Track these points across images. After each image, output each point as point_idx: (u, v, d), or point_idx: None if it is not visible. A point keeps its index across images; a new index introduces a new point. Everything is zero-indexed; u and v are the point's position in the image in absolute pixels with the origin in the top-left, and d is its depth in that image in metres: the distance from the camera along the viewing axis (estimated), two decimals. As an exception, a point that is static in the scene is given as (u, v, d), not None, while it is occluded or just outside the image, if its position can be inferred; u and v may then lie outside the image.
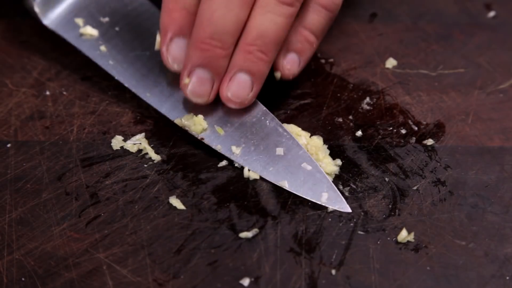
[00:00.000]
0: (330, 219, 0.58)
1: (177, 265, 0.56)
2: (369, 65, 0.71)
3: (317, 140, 0.62)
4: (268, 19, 0.60)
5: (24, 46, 0.73)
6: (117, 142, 0.64)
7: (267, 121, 0.63)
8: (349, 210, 0.59)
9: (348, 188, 0.60)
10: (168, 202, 0.59)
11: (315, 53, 0.69)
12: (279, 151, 0.61)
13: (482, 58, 0.71)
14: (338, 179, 0.61)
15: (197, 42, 0.59)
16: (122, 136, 0.64)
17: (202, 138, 0.62)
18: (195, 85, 0.61)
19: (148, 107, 0.67)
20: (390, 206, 0.59)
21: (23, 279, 0.55)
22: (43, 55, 0.72)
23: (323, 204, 0.59)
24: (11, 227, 0.58)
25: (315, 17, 0.63)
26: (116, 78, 0.66)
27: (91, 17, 0.69)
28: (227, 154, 0.62)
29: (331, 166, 0.61)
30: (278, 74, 0.64)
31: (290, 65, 0.63)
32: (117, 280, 0.55)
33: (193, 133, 0.63)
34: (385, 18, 0.76)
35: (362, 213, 0.59)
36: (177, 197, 0.60)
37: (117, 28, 0.69)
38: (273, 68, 0.64)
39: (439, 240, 0.57)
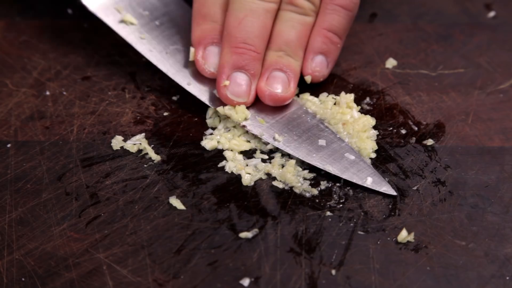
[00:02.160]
0: (330, 219, 0.58)
1: (177, 265, 0.56)
2: (369, 65, 0.71)
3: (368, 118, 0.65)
4: (289, 27, 0.65)
5: (24, 46, 0.73)
6: (117, 142, 0.64)
7: (308, 118, 0.64)
8: (394, 193, 0.60)
9: (349, 188, 0.61)
10: (168, 202, 0.59)
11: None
12: (322, 142, 0.62)
13: (482, 58, 0.71)
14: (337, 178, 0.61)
15: (232, 48, 0.64)
16: (122, 136, 0.64)
17: (244, 126, 0.63)
18: (235, 86, 0.63)
19: (148, 107, 0.67)
20: (390, 206, 0.59)
21: (23, 279, 0.55)
22: (43, 55, 0.72)
23: (369, 187, 0.60)
24: (11, 227, 0.58)
25: (336, 18, 0.66)
26: (155, 64, 0.67)
27: (132, 8, 0.70)
28: (269, 141, 0.63)
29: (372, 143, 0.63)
30: (308, 78, 0.66)
31: (319, 67, 0.66)
32: (117, 280, 0.55)
33: (235, 120, 0.64)
34: (385, 18, 0.76)
35: (362, 213, 0.59)
36: (177, 197, 0.60)
37: (157, 22, 0.70)
38: (303, 73, 0.66)
39: (439, 240, 0.57)
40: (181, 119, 0.66)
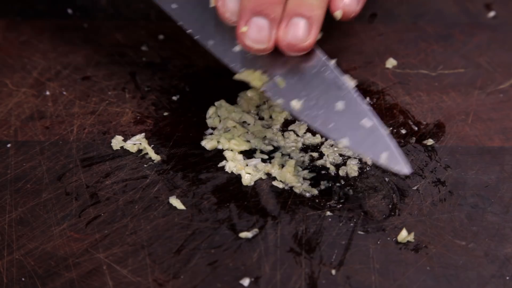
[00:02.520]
0: (330, 219, 0.58)
1: (177, 265, 0.56)
2: (369, 65, 0.71)
3: None
4: None
5: (24, 46, 0.73)
6: (117, 142, 0.64)
7: (327, 73, 0.61)
8: (407, 171, 0.57)
9: (348, 187, 0.61)
10: (168, 202, 0.59)
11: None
12: (340, 105, 0.60)
13: (482, 58, 0.71)
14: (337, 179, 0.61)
15: None
16: (122, 136, 0.64)
17: (264, 91, 0.62)
18: (254, 32, 0.61)
19: (148, 107, 0.67)
20: (390, 206, 0.59)
21: (23, 279, 0.55)
22: (43, 55, 0.72)
23: (382, 165, 0.57)
24: (11, 227, 0.58)
25: None
26: (177, 21, 0.64)
27: None
28: (287, 109, 0.61)
29: None
30: (338, 13, 0.62)
31: (349, 1, 0.62)
32: (117, 280, 0.55)
33: (254, 86, 0.62)
34: (385, 18, 0.76)
35: (362, 213, 0.59)
36: (177, 197, 0.60)
37: None
38: (332, 8, 0.62)
39: (439, 240, 0.57)
40: (181, 119, 0.66)
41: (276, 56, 0.62)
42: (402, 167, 0.57)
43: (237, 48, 0.63)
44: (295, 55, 0.61)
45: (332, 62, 0.62)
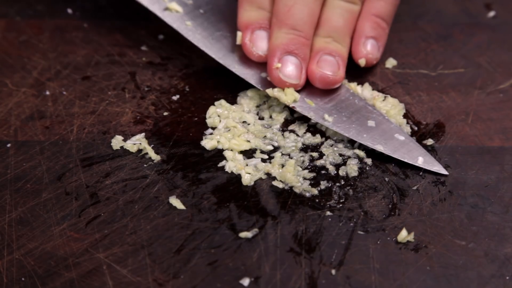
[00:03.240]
0: (330, 219, 0.58)
1: (177, 265, 0.56)
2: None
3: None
4: (338, 14, 0.67)
5: (24, 46, 0.73)
6: (117, 142, 0.64)
7: (356, 100, 0.65)
8: (446, 172, 0.61)
9: (348, 187, 0.61)
10: (168, 202, 0.59)
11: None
12: (371, 123, 0.64)
13: (482, 58, 0.71)
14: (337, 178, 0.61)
15: (282, 33, 0.65)
16: (122, 136, 0.64)
17: (294, 107, 0.64)
18: (287, 68, 0.65)
19: (147, 107, 0.67)
20: (390, 206, 0.59)
21: (23, 279, 0.55)
22: (43, 55, 0.72)
23: (420, 166, 0.61)
24: (11, 227, 0.58)
25: (383, 4, 0.69)
26: (202, 49, 0.68)
27: None
28: (319, 121, 0.64)
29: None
30: (362, 61, 0.68)
31: (372, 50, 0.68)
32: (117, 280, 0.55)
33: (284, 102, 0.65)
34: (385, 18, 0.76)
35: (362, 213, 0.59)
36: (177, 197, 0.60)
37: (201, 10, 0.71)
38: (356, 57, 0.68)
39: (439, 240, 0.57)
40: (181, 119, 0.66)
41: (305, 87, 0.66)
42: (441, 168, 0.61)
43: (264, 74, 0.67)
44: (326, 88, 0.65)
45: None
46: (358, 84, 0.68)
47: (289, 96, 0.64)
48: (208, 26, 0.70)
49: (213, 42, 0.68)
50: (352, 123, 0.64)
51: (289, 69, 0.65)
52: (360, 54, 0.68)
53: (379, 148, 0.62)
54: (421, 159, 0.61)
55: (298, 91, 0.65)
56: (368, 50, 0.68)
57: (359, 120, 0.64)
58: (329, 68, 0.65)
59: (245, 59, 0.67)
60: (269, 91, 0.65)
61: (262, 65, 0.67)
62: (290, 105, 0.64)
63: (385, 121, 0.64)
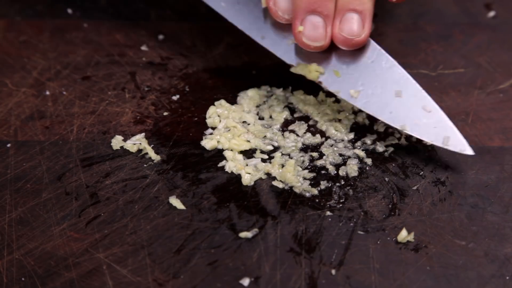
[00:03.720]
0: (330, 219, 0.58)
1: (177, 265, 0.56)
2: (369, 65, 0.71)
3: None
4: None
5: (24, 46, 0.73)
6: (117, 142, 0.64)
7: (383, 62, 0.63)
8: (472, 152, 0.60)
9: (348, 187, 0.61)
10: (168, 202, 0.59)
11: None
12: (398, 93, 0.62)
13: (482, 58, 0.71)
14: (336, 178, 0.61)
15: None
16: (122, 136, 0.64)
17: (320, 82, 0.63)
18: (310, 30, 0.62)
19: (147, 107, 0.67)
20: (390, 206, 0.59)
21: (23, 279, 0.55)
22: (43, 55, 0.72)
23: (445, 147, 0.60)
24: (11, 227, 0.58)
25: None
26: (229, 19, 0.66)
27: None
28: (346, 98, 0.62)
29: None
30: None
31: None
32: (117, 280, 0.55)
33: (310, 78, 0.64)
34: (385, 18, 0.76)
35: (362, 213, 0.59)
36: (177, 197, 0.60)
37: None
38: None
39: (439, 240, 0.57)
40: (181, 119, 0.66)
41: (330, 49, 0.63)
42: (465, 147, 0.60)
43: (290, 42, 0.64)
44: (351, 49, 0.63)
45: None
46: None
47: (313, 74, 0.63)
48: None
49: (240, 8, 0.66)
50: (379, 95, 0.62)
51: (312, 31, 0.62)
52: None
53: (405, 128, 0.61)
54: (447, 138, 0.60)
55: (323, 60, 0.63)
56: None
57: (385, 91, 0.62)
58: (353, 28, 0.62)
59: (273, 26, 0.65)
60: (293, 69, 0.64)
61: (289, 33, 0.64)
62: (317, 81, 0.63)
63: (412, 88, 0.62)
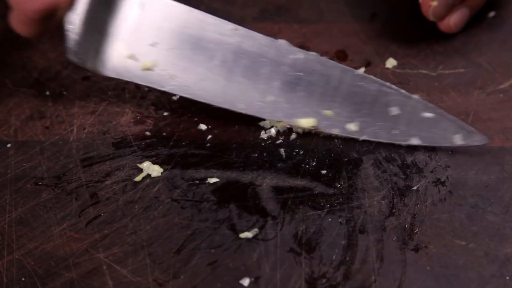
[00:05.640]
0: (330, 219, 0.58)
1: (177, 265, 0.56)
2: (369, 65, 0.71)
3: None
4: None
5: (24, 46, 0.73)
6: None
7: (368, 86, 0.63)
8: (486, 141, 0.61)
9: (349, 187, 0.61)
10: (168, 202, 0.59)
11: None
12: (394, 110, 0.62)
13: (482, 58, 0.71)
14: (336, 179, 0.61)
15: None
16: (122, 135, 0.64)
17: (316, 128, 0.63)
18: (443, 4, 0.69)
19: (148, 107, 0.67)
20: (390, 206, 0.59)
21: (23, 279, 0.55)
22: (43, 55, 0.72)
23: (460, 145, 0.61)
24: (11, 227, 0.58)
25: None
26: (207, 103, 0.63)
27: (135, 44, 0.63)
28: (346, 135, 0.63)
29: None
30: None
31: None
32: (117, 280, 0.55)
33: (303, 128, 0.64)
34: (385, 18, 0.76)
35: (362, 213, 0.59)
36: (177, 197, 0.60)
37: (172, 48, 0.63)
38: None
39: (439, 240, 0.57)
40: (181, 119, 0.66)
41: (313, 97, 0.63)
42: (479, 137, 0.61)
43: (268, 98, 0.63)
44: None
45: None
46: None
47: (310, 124, 0.63)
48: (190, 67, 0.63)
49: (205, 84, 0.63)
50: (377, 119, 0.62)
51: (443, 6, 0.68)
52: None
53: (414, 142, 0.62)
54: (458, 137, 0.61)
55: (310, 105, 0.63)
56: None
57: (382, 112, 0.62)
58: (458, 22, 0.70)
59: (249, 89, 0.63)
60: (278, 123, 0.64)
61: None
62: (313, 131, 0.63)
63: (406, 100, 0.63)
